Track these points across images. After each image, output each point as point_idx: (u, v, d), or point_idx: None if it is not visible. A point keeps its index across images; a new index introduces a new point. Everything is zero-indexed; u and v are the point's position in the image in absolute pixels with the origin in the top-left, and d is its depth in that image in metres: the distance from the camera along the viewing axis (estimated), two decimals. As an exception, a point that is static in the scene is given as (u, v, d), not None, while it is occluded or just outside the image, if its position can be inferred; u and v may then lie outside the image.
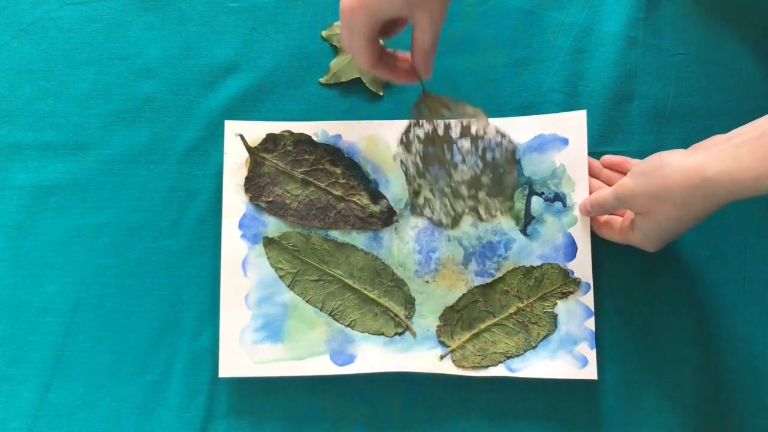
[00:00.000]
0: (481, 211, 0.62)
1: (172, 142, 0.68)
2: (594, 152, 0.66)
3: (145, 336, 0.66)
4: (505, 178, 0.61)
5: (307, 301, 0.65)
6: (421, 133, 0.60)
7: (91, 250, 0.67)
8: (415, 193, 0.62)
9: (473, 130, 0.60)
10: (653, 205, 0.55)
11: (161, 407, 0.65)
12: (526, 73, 0.68)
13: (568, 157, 0.65)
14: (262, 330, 0.64)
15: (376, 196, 0.66)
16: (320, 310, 0.65)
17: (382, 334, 0.65)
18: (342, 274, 0.66)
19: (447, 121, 0.59)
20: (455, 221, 0.63)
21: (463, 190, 0.61)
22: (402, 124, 0.67)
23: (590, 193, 0.65)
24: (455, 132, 0.60)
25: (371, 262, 0.66)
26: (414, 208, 0.63)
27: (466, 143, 0.60)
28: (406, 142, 0.60)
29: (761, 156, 0.49)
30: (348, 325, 0.65)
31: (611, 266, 0.65)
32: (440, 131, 0.60)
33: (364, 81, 0.68)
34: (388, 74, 0.55)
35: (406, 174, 0.61)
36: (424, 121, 0.59)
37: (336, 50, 0.69)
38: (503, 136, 0.61)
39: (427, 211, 0.62)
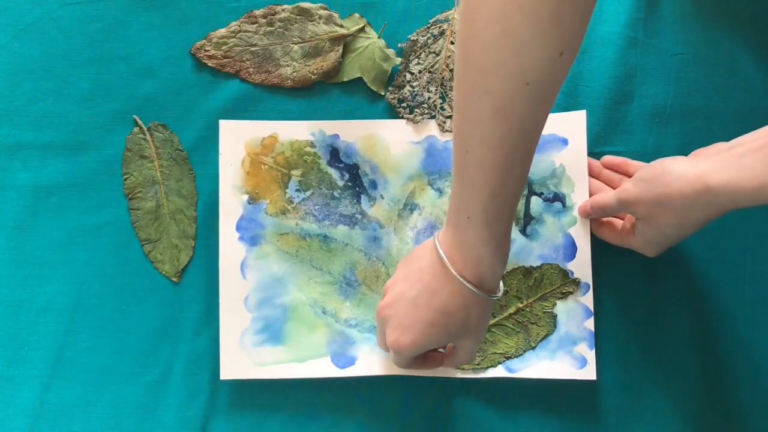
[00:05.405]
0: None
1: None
2: (594, 152, 0.66)
3: (145, 336, 0.66)
4: None
5: (306, 303, 0.65)
6: None
7: (91, 250, 0.67)
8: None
9: None
10: (655, 211, 0.55)
11: (161, 407, 0.65)
12: (526, 73, 0.68)
13: (567, 158, 0.65)
14: (262, 332, 0.64)
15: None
16: (320, 311, 0.65)
17: None
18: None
19: None
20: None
21: None
22: (400, 124, 0.67)
23: (590, 194, 0.65)
24: None
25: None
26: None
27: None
28: None
29: (763, 166, 0.49)
30: (348, 325, 0.65)
31: (611, 266, 0.65)
32: None
33: (364, 80, 0.68)
34: (417, 368, 0.59)
35: None
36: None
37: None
38: None
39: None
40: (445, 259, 0.52)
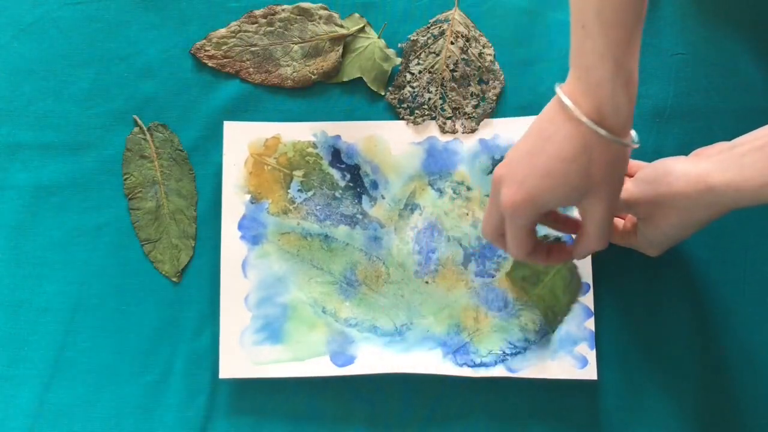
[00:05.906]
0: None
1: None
2: (594, 152, 0.66)
3: (145, 336, 0.66)
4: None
5: (306, 302, 0.65)
6: None
7: (91, 250, 0.67)
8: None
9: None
10: (656, 212, 0.55)
11: (161, 407, 0.65)
12: (527, 73, 0.68)
13: (568, 158, 0.65)
14: (262, 331, 0.64)
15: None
16: (320, 310, 0.65)
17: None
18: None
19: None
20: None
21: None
22: (401, 125, 0.67)
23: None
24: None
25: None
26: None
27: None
28: None
29: (765, 165, 0.49)
30: (348, 325, 0.65)
31: (611, 266, 0.65)
32: None
33: (365, 80, 0.68)
34: (542, 260, 0.55)
35: None
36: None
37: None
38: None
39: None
40: (560, 92, 0.47)
